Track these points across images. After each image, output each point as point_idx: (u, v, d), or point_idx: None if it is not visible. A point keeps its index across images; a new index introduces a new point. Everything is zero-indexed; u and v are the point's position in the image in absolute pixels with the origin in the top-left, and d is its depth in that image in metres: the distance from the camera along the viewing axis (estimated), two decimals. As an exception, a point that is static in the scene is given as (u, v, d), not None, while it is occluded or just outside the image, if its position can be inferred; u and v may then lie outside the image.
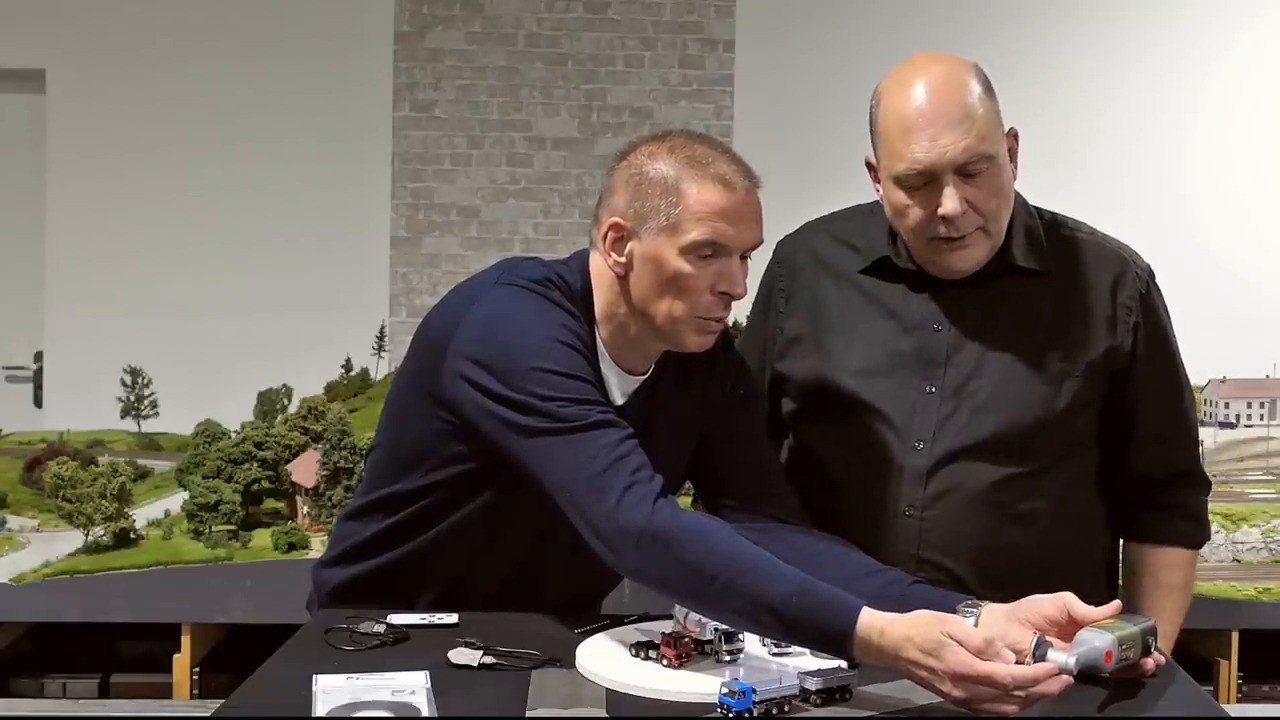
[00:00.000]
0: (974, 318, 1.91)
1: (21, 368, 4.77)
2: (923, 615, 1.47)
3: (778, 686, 1.43)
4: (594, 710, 1.44)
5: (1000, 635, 1.48)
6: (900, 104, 1.82)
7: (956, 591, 1.83)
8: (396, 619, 1.75)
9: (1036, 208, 1.98)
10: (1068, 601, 1.58)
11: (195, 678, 4.20)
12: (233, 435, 4.52)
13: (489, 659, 1.60)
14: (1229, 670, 4.24)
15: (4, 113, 4.78)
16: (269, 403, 4.63)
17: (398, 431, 1.86)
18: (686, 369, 1.88)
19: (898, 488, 1.89)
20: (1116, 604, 1.60)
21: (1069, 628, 1.56)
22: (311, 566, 1.99)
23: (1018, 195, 1.94)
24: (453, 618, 1.78)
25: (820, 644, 1.51)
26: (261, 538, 4.38)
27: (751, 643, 1.63)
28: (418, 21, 4.68)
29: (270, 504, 4.53)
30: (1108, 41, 4.63)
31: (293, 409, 4.62)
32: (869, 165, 1.92)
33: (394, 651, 1.66)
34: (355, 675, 1.52)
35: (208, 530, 4.38)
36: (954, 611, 1.58)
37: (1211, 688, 4.20)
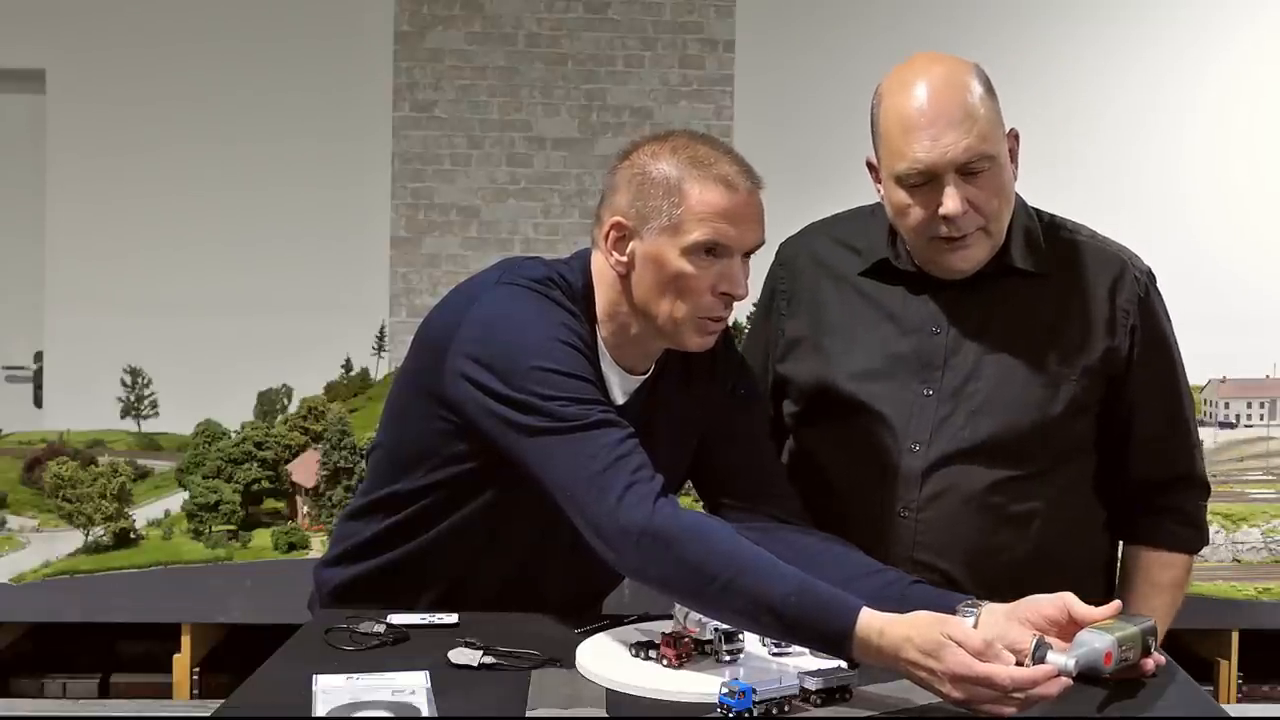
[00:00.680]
0: (972, 320, 1.91)
1: (21, 368, 4.77)
2: (922, 616, 1.47)
3: (778, 686, 1.43)
4: (594, 710, 1.44)
5: (1000, 635, 1.48)
6: (902, 103, 1.82)
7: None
8: (396, 619, 1.75)
9: (1036, 209, 1.98)
10: (1068, 601, 1.58)
11: (195, 678, 4.21)
12: (233, 435, 4.52)
13: (489, 659, 1.60)
14: (1229, 670, 4.24)
15: (4, 113, 4.78)
16: (269, 403, 4.63)
17: (398, 431, 1.86)
18: (687, 368, 1.88)
19: (893, 489, 1.89)
20: (1116, 604, 1.59)
21: (1069, 628, 1.56)
22: (313, 566, 1.99)
23: (1017, 197, 1.93)
24: (453, 618, 1.78)
25: (820, 644, 1.51)
26: (261, 538, 4.38)
27: (751, 643, 1.64)
28: (418, 21, 4.68)
29: (270, 504, 4.53)
30: (1108, 41, 4.63)
31: (293, 409, 4.62)
32: (870, 166, 1.92)
33: (394, 651, 1.66)
34: (355, 675, 1.52)
35: (208, 530, 4.38)
36: (954, 612, 1.58)
37: (1211, 688, 4.20)
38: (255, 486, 4.46)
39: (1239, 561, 4.36)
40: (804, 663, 1.55)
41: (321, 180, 4.63)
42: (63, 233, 4.62)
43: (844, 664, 1.49)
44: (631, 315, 1.78)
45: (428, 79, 4.68)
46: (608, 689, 1.52)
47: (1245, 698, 4.29)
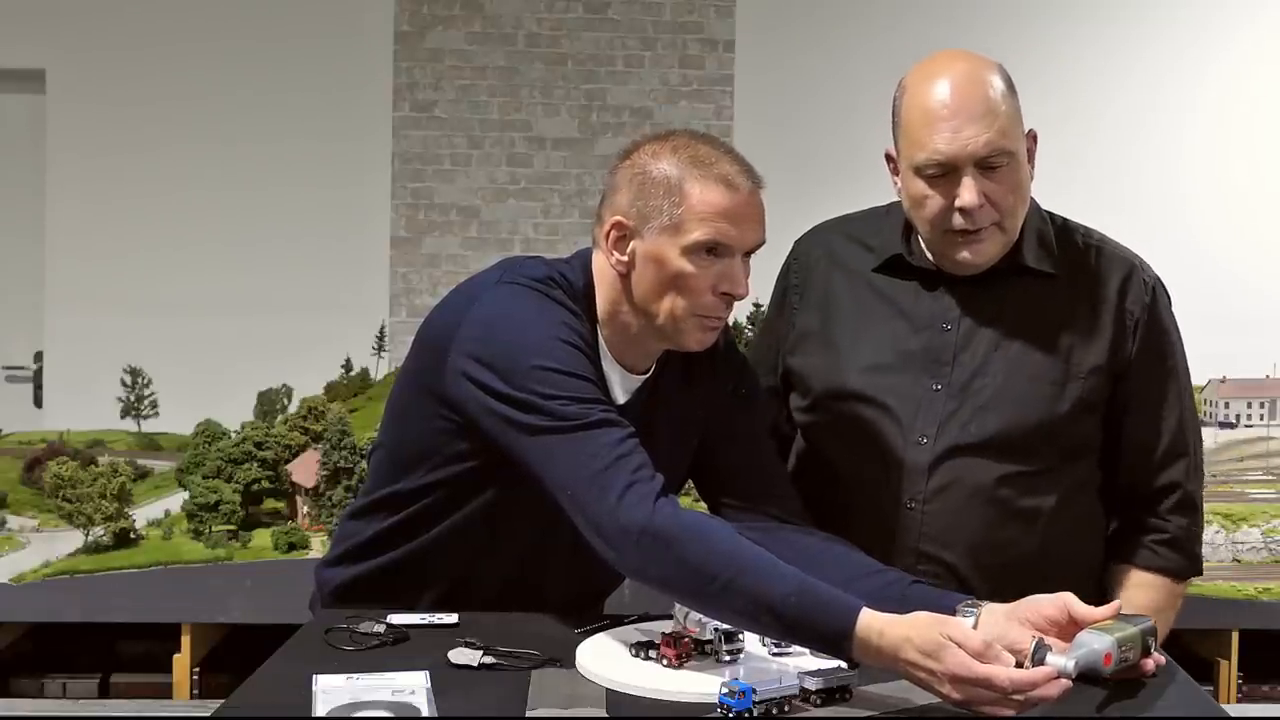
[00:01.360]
0: (983, 317, 1.93)
1: (21, 368, 4.77)
2: (922, 616, 1.47)
3: (778, 686, 1.43)
4: (594, 710, 1.44)
5: (1000, 636, 1.48)
6: (925, 96, 1.84)
7: (955, 586, 1.84)
8: (396, 619, 1.75)
9: (1049, 213, 2.00)
10: (1068, 602, 1.58)
11: (195, 678, 4.21)
12: (233, 435, 4.52)
13: (489, 659, 1.60)
14: (1229, 670, 4.24)
15: (4, 113, 4.78)
16: (269, 403, 4.63)
17: (399, 431, 1.86)
18: (688, 368, 1.88)
19: (900, 481, 1.90)
20: (1116, 604, 1.59)
21: (1069, 628, 1.56)
22: (314, 566, 1.99)
23: (1034, 201, 1.96)
24: (453, 618, 1.78)
25: (819, 644, 1.51)
26: (261, 538, 4.38)
27: (751, 643, 1.63)
28: (418, 21, 4.68)
29: (270, 504, 4.53)
30: (1108, 41, 4.63)
31: (293, 409, 4.62)
32: (888, 158, 1.94)
33: (394, 651, 1.66)
34: (355, 675, 1.52)
35: (208, 530, 4.38)
36: (954, 612, 1.58)
37: (1211, 688, 4.20)
38: (255, 486, 4.46)
39: (1239, 561, 4.36)
40: (804, 663, 1.55)
41: (321, 180, 4.63)
42: (63, 233, 4.62)
43: (844, 664, 1.49)
44: (632, 314, 1.78)
45: (428, 79, 4.68)
46: (608, 689, 1.52)
47: (1245, 698, 4.29)
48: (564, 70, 4.70)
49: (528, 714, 1.42)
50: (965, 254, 1.88)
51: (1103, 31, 4.63)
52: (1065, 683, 1.42)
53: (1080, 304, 1.93)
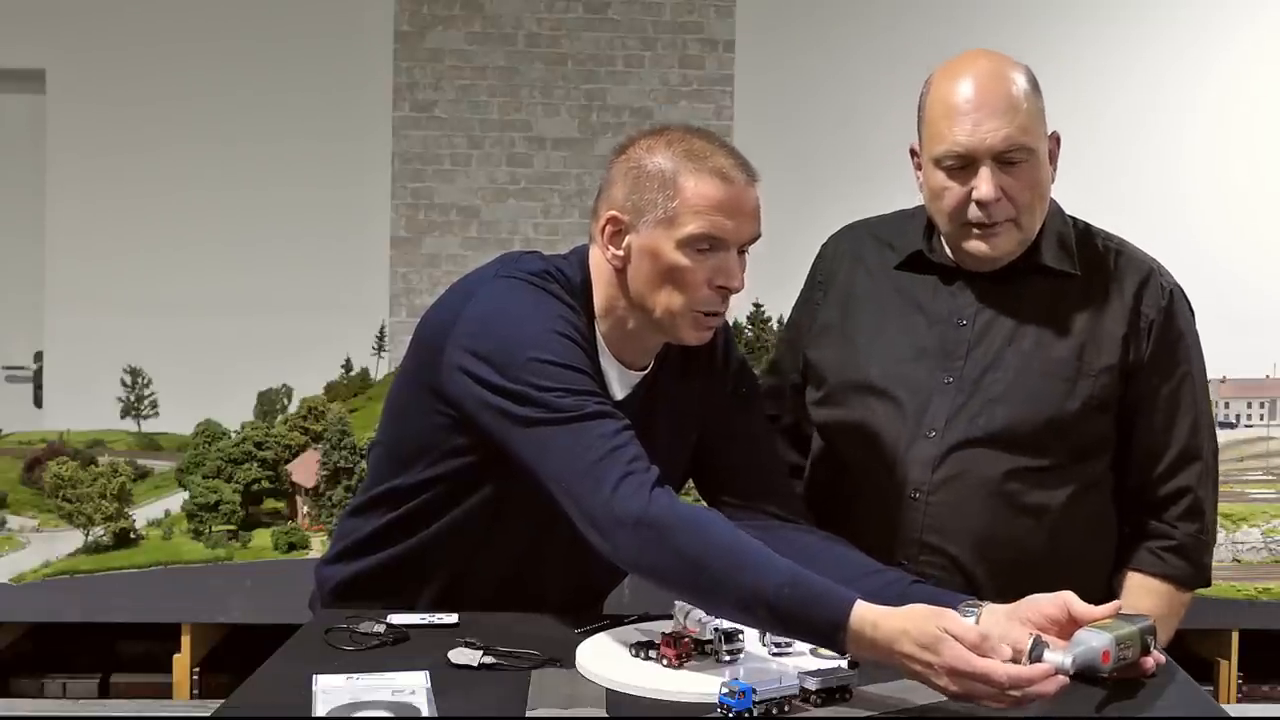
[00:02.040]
0: (998, 313, 1.94)
1: (21, 368, 4.77)
2: (918, 609, 1.47)
3: (778, 686, 1.43)
4: (594, 710, 1.44)
5: (1000, 635, 1.48)
6: (948, 90, 1.87)
7: (959, 580, 1.85)
8: (396, 619, 1.75)
9: (1072, 217, 2.02)
10: (1067, 600, 1.58)
11: (195, 678, 4.21)
12: (233, 435, 4.52)
13: (489, 659, 1.60)
14: (1229, 670, 4.24)
15: (4, 113, 4.78)
16: (269, 403, 4.63)
17: (398, 428, 1.86)
18: (687, 364, 1.89)
19: (907, 472, 1.91)
20: (1116, 604, 1.59)
21: (1069, 626, 1.56)
22: (315, 565, 2.00)
23: (1054, 203, 1.98)
24: (453, 618, 1.78)
25: (813, 637, 1.51)
26: (261, 538, 4.38)
27: (751, 643, 1.64)
28: (418, 21, 4.68)
29: (270, 504, 4.53)
30: (1108, 41, 4.63)
31: (293, 409, 4.62)
32: (912, 152, 1.97)
33: (394, 651, 1.66)
34: (355, 675, 1.52)
35: (208, 530, 4.38)
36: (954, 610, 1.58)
37: (1211, 688, 4.20)
38: (255, 486, 4.46)
39: (1239, 561, 4.36)
40: (804, 663, 1.55)
41: (321, 180, 4.63)
42: (63, 233, 4.62)
43: (844, 664, 1.49)
44: (629, 309, 1.78)
45: (428, 79, 4.68)
46: (608, 689, 1.52)
47: (1245, 698, 4.29)
48: (564, 70, 4.70)
49: (528, 714, 1.42)
50: (980, 246, 1.90)
51: (1103, 31, 4.63)
52: (1062, 679, 1.41)
53: (1096, 304, 1.94)
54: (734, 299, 1.80)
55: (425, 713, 1.42)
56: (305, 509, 4.47)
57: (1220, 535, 4.30)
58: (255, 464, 4.45)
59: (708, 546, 1.54)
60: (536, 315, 1.72)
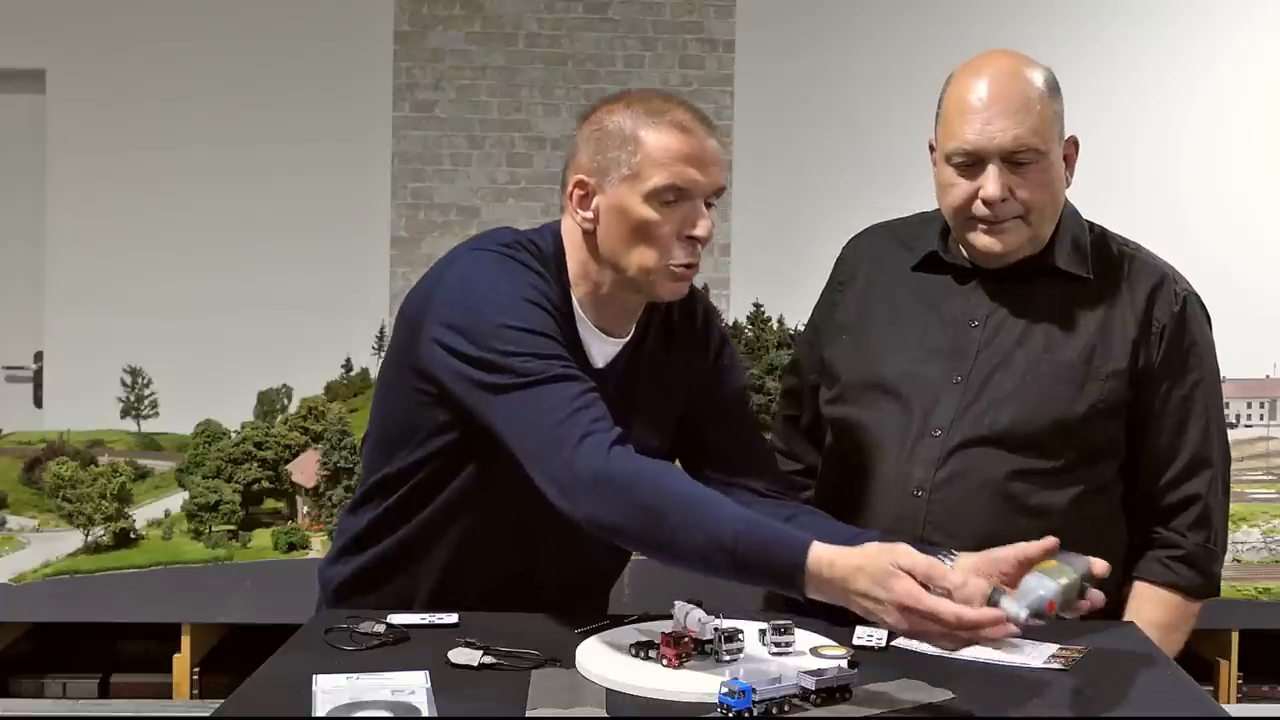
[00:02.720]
0: (1009, 314, 1.95)
1: (21, 368, 4.77)
2: (872, 547, 1.49)
3: (778, 686, 1.43)
4: (594, 710, 1.44)
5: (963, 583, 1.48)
6: (964, 88, 1.89)
7: None
8: (396, 619, 1.75)
9: (1089, 222, 2.02)
10: (1020, 549, 1.60)
11: (195, 678, 4.21)
12: (233, 435, 4.52)
13: (489, 659, 1.60)
14: (1229, 670, 4.24)
15: (4, 113, 4.78)
16: (269, 403, 4.63)
17: (384, 412, 1.89)
18: (671, 335, 1.91)
19: (911, 470, 1.92)
20: (1053, 540, 1.59)
21: (1019, 574, 1.58)
22: (318, 568, 2.01)
23: (1070, 206, 1.99)
24: (453, 618, 1.78)
25: (772, 580, 1.52)
26: (261, 538, 4.38)
27: (751, 642, 1.64)
28: (418, 21, 4.68)
29: (270, 504, 4.53)
30: (1108, 41, 4.63)
31: (293, 409, 4.62)
32: (931, 148, 1.98)
33: (394, 651, 1.66)
34: (355, 675, 1.52)
35: (208, 530, 4.38)
36: None
37: (1211, 688, 4.20)
38: (255, 486, 4.46)
39: (1239, 561, 4.36)
40: (804, 663, 1.55)
41: (321, 180, 4.62)
42: (63, 233, 4.62)
43: (844, 664, 1.49)
44: (602, 271, 1.80)
45: (428, 79, 4.68)
46: (608, 689, 1.52)
47: (1245, 698, 4.29)
48: (564, 70, 4.69)
49: (528, 714, 1.42)
50: (986, 240, 1.91)
51: (1103, 31, 4.63)
52: (1012, 628, 1.42)
53: (1107, 307, 1.94)
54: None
55: (425, 713, 1.42)
56: (305, 509, 4.47)
57: (1220, 535, 4.30)
58: (255, 464, 4.45)
59: (665, 498, 1.55)
60: (505, 283, 1.74)
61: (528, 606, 1.83)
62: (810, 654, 1.62)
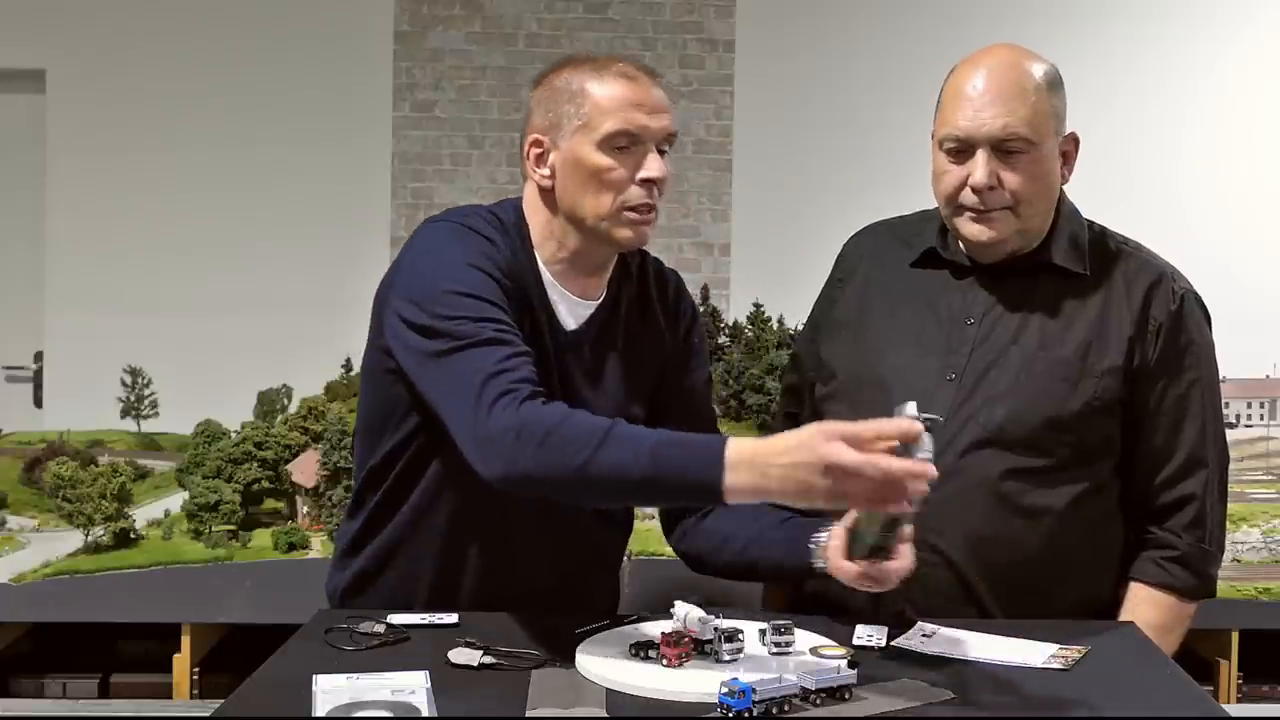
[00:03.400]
0: (1005, 310, 1.95)
1: (21, 368, 4.77)
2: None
3: (778, 686, 1.43)
4: (594, 710, 1.44)
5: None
6: (962, 77, 1.91)
7: (953, 579, 1.85)
8: (396, 619, 1.75)
9: (1089, 220, 2.02)
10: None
11: (195, 678, 4.20)
12: (233, 435, 4.51)
13: (489, 659, 1.60)
14: (1229, 670, 4.24)
15: (4, 113, 4.78)
16: (269, 403, 4.63)
17: (367, 402, 1.90)
18: (647, 303, 1.93)
19: None
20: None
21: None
22: (327, 575, 2.02)
23: (1072, 205, 1.98)
24: (453, 618, 1.78)
25: (696, 485, 1.49)
26: (261, 538, 4.38)
27: (751, 642, 1.64)
28: (418, 21, 4.68)
29: (270, 504, 4.52)
30: (1108, 41, 4.63)
31: (293, 409, 4.62)
32: (932, 136, 1.98)
33: (394, 651, 1.66)
34: (355, 675, 1.52)
35: (208, 530, 4.37)
36: None
37: (1211, 688, 4.20)
38: (255, 486, 4.46)
39: (1239, 561, 4.36)
40: (804, 663, 1.56)
41: (321, 180, 4.62)
42: (63, 233, 4.62)
43: (844, 664, 1.49)
44: (565, 227, 1.83)
45: (428, 79, 4.68)
46: (608, 689, 1.52)
47: (1245, 698, 4.28)
48: (564, 70, 4.69)
49: (528, 714, 1.42)
50: (974, 228, 1.91)
51: (1103, 31, 4.63)
52: (932, 470, 1.42)
53: (1104, 305, 1.94)
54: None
55: (425, 713, 1.42)
56: (305, 509, 4.46)
57: (1220, 535, 4.30)
58: (255, 464, 4.45)
59: (575, 434, 1.53)
60: (454, 252, 1.76)
61: (526, 599, 1.84)
62: (810, 654, 1.62)
